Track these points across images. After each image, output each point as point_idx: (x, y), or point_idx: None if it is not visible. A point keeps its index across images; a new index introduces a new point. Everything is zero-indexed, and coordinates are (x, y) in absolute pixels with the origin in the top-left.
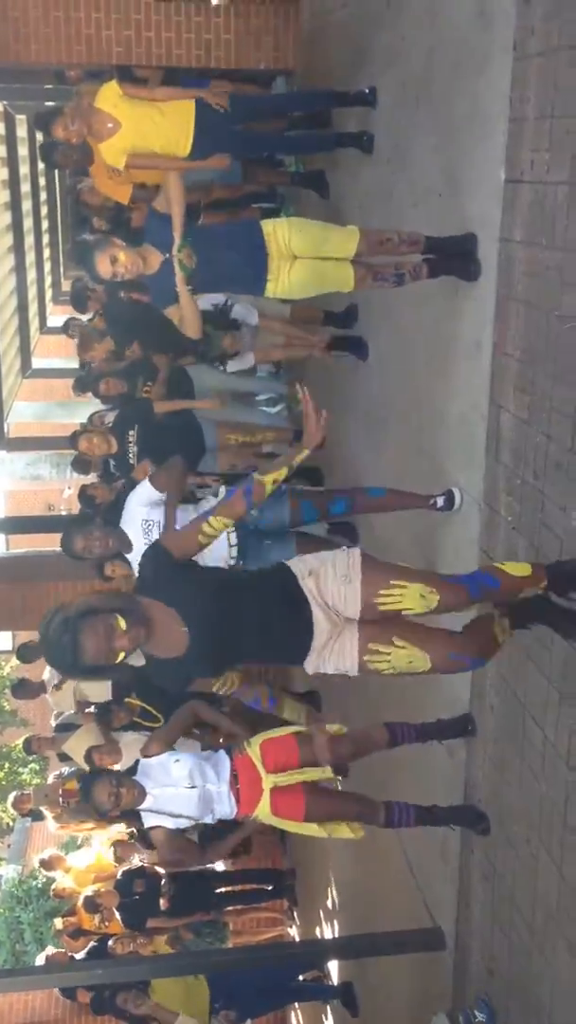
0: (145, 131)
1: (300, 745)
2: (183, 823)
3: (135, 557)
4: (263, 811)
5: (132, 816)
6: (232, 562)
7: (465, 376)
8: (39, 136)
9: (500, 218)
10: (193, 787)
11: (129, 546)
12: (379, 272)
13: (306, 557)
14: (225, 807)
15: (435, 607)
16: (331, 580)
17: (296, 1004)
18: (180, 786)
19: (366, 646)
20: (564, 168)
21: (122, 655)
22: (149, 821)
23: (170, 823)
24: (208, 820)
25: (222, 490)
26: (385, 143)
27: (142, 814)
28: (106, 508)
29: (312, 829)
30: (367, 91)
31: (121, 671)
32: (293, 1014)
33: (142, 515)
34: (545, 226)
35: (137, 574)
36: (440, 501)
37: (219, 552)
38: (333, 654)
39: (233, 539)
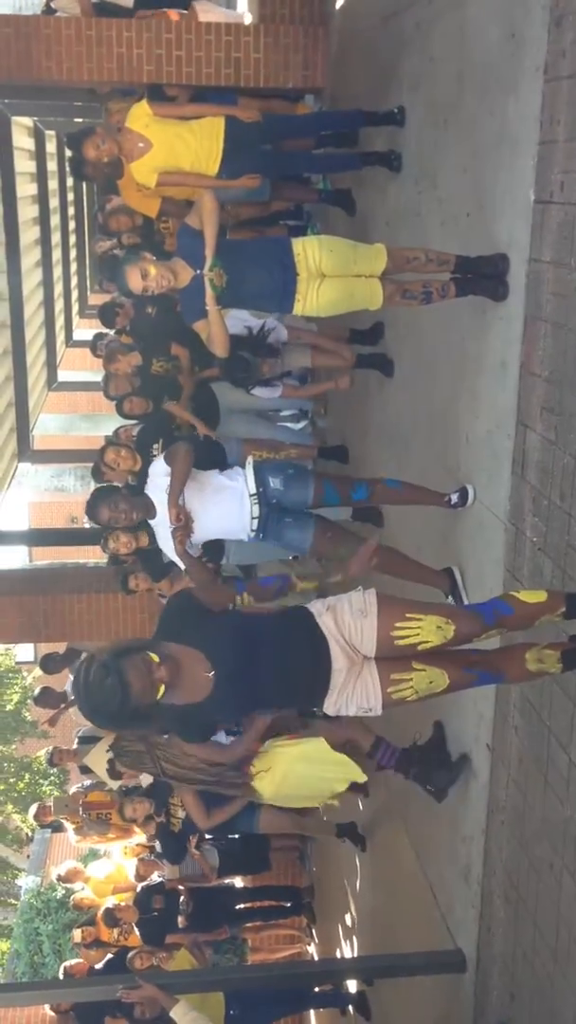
0: (176, 150)
1: None
2: None
3: (161, 521)
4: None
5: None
6: (252, 534)
7: (491, 395)
8: (68, 151)
9: (528, 239)
10: None
11: (153, 512)
12: (407, 290)
13: (326, 598)
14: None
15: (452, 637)
16: (347, 614)
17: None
18: None
19: (388, 678)
20: None
21: (162, 688)
22: None
23: None
24: None
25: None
26: (413, 162)
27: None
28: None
29: (322, 744)
30: (396, 111)
31: (162, 717)
32: (310, 1018)
33: (164, 484)
34: (574, 247)
35: (160, 620)
36: (454, 498)
37: (240, 523)
38: (355, 693)
39: (255, 511)
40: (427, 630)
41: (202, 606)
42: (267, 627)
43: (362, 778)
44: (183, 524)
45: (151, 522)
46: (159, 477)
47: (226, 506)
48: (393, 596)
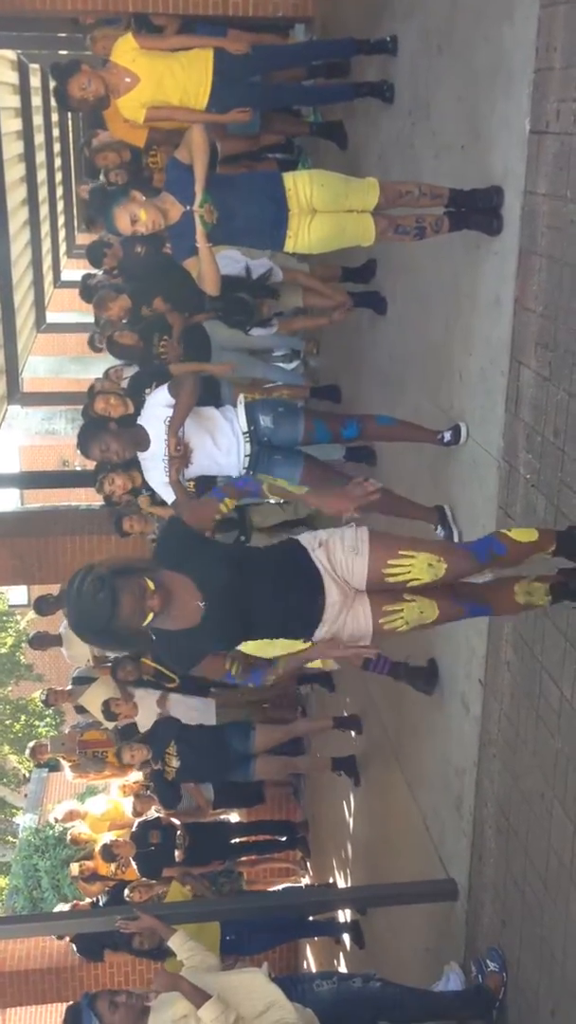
0: (163, 84)
1: None
2: None
3: (153, 454)
4: None
5: None
6: (243, 471)
7: (485, 332)
8: (52, 82)
9: (524, 170)
10: None
11: (146, 443)
12: (400, 224)
13: (317, 532)
14: None
15: (443, 575)
16: (339, 551)
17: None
18: None
19: (380, 609)
20: None
21: (151, 616)
22: None
23: None
24: None
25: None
26: (406, 93)
27: None
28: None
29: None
30: (388, 40)
31: (143, 642)
32: (305, 947)
33: (163, 415)
34: (570, 178)
35: (155, 546)
36: (447, 435)
37: (236, 459)
38: (348, 624)
39: (247, 449)
40: (419, 568)
41: (199, 533)
42: (262, 560)
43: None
44: (181, 454)
45: (140, 455)
46: (159, 407)
47: (223, 441)
48: (386, 533)
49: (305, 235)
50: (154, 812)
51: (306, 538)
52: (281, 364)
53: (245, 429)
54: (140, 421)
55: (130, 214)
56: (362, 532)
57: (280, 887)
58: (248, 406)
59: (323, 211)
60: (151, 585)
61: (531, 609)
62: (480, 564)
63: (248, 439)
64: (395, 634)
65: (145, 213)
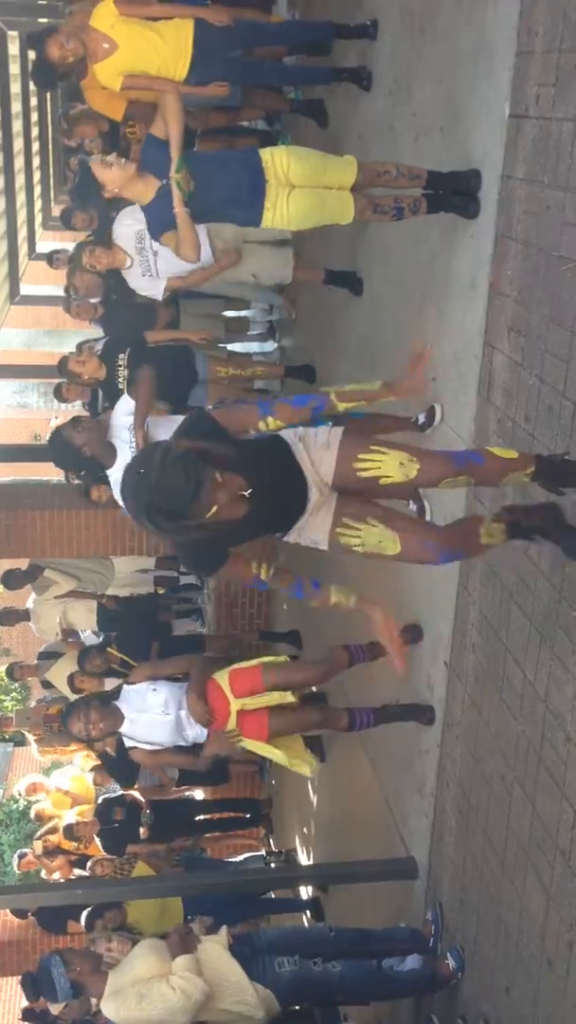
0: (142, 53)
1: (264, 672)
2: (157, 748)
3: (117, 467)
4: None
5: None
6: None
7: (459, 315)
8: (31, 54)
9: (502, 154)
10: (168, 715)
11: (113, 458)
12: (378, 204)
13: (296, 428)
14: (196, 729)
15: (414, 476)
16: (313, 446)
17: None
18: (154, 713)
19: (340, 519)
20: (570, 104)
21: (214, 510)
22: (129, 743)
23: (146, 747)
24: (181, 743)
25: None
26: (387, 74)
27: (123, 739)
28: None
29: (276, 754)
30: (369, 24)
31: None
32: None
33: (128, 423)
34: (548, 164)
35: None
36: (421, 417)
37: None
38: (308, 526)
39: None
40: (389, 464)
41: (222, 428)
42: (276, 451)
43: (306, 773)
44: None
45: (109, 473)
46: (123, 416)
47: None
48: (360, 431)
49: (284, 208)
50: (117, 787)
51: (286, 433)
52: (257, 344)
53: None
54: (108, 438)
55: (101, 160)
56: (335, 431)
57: (242, 856)
58: None
59: (301, 185)
60: (219, 479)
61: (492, 549)
62: (456, 468)
63: None
64: (349, 552)
65: (113, 157)
